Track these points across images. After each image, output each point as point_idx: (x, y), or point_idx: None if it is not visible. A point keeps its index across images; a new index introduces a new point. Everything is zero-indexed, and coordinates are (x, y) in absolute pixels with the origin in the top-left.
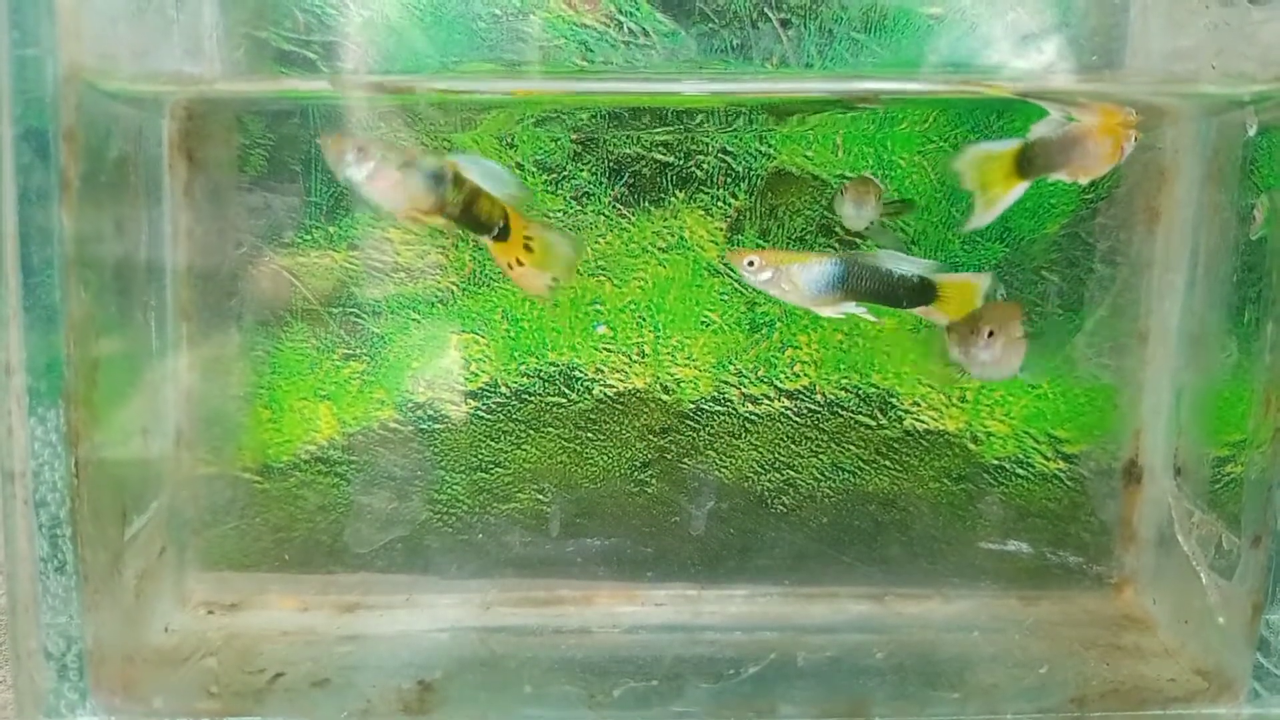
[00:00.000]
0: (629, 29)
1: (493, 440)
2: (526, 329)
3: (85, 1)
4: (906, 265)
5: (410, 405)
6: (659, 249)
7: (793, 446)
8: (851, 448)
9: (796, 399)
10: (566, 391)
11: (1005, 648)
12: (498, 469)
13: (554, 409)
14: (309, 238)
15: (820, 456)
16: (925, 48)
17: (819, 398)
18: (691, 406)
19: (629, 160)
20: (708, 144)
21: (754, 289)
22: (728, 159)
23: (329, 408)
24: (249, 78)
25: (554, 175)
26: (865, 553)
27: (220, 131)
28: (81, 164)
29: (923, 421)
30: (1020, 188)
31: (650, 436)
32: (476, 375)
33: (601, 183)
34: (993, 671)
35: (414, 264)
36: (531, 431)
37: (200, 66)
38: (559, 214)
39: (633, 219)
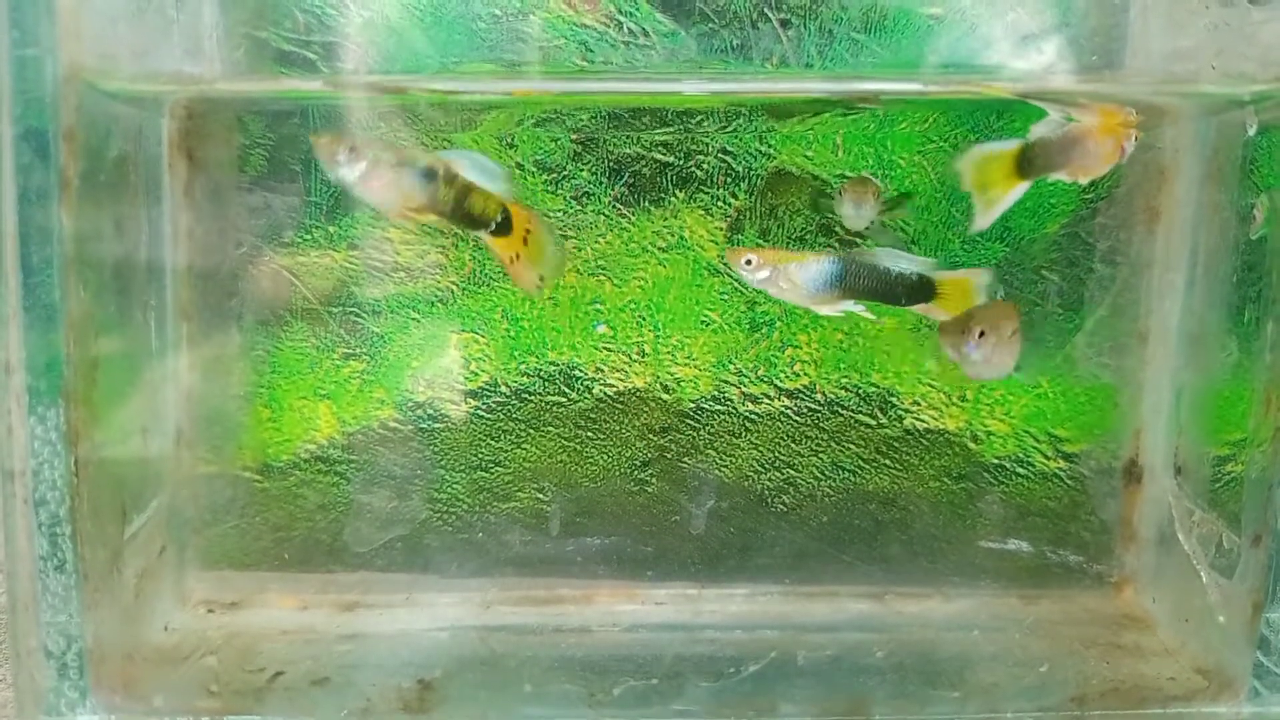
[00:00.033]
0: (629, 29)
1: (493, 439)
2: (526, 328)
3: (85, 1)
4: (905, 263)
5: (410, 404)
6: (659, 249)
7: (793, 445)
8: (852, 447)
9: (797, 398)
10: (566, 391)
11: (1005, 647)
12: (498, 468)
13: (554, 408)
14: (309, 237)
15: (820, 455)
16: (925, 48)
17: (819, 397)
18: (691, 405)
19: (629, 160)
20: (708, 144)
21: (754, 288)
22: (728, 159)
23: (329, 407)
24: (249, 78)
25: (554, 175)
26: (865, 551)
27: (220, 131)
28: (81, 163)
29: (923, 420)
30: (1020, 188)
31: (650, 435)
32: (476, 374)
33: (601, 183)
34: (993, 670)
35: (414, 263)
36: (531, 430)
37: (200, 66)
38: (559, 214)
39: (633, 219)
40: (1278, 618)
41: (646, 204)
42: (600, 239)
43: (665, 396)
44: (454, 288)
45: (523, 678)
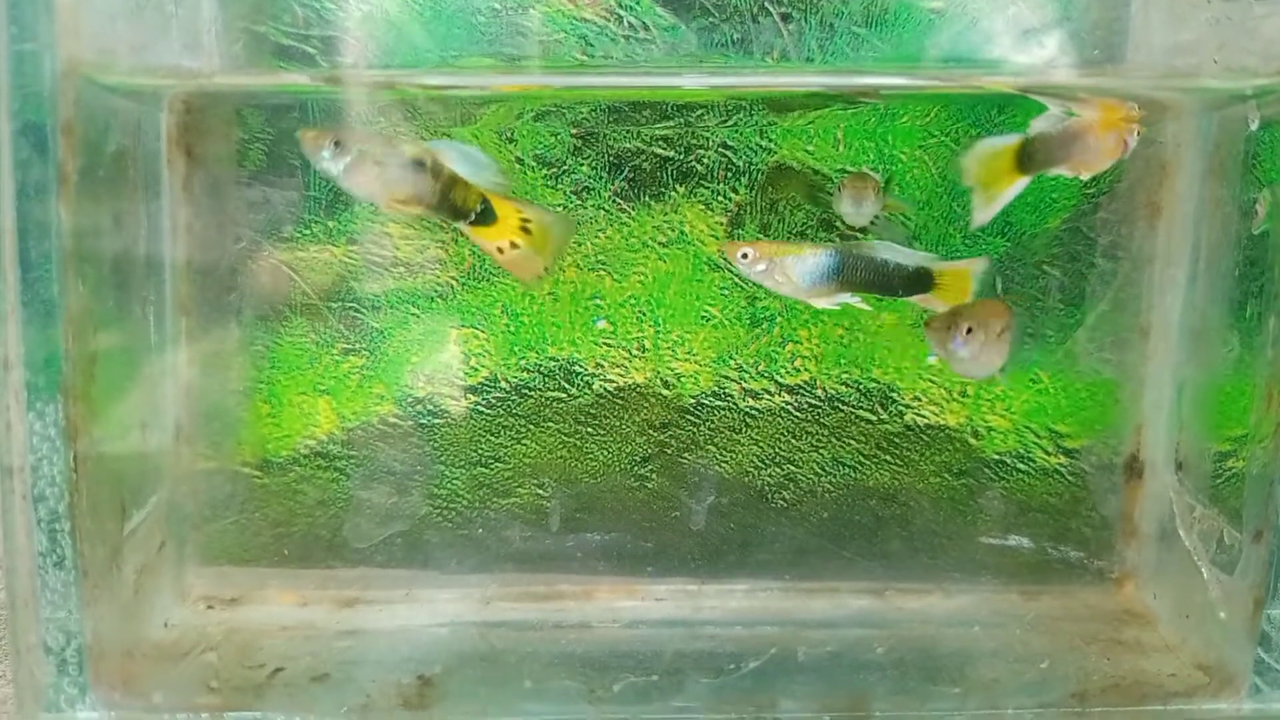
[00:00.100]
0: (629, 23)
1: (492, 435)
2: (526, 324)
3: None
4: (902, 256)
5: (410, 400)
6: (659, 244)
7: (793, 441)
8: (852, 442)
9: (797, 394)
10: (566, 386)
11: (1006, 643)
12: (497, 464)
13: (554, 404)
14: (308, 232)
15: (821, 451)
16: (926, 42)
17: (819, 392)
18: (692, 401)
19: (629, 155)
20: (708, 138)
21: (754, 284)
22: (728, 153)
23: (328, 403)
24: (248, 72)
25: (554, 170)
26: (866, 548)
27: (219, 126)
28: (80, 158)
29: (923, 416)
30: (1021, 183)
31: (650, 431)
32: (476, 370)
33: (601, 177)
34: (993, 666)
35: (413, 259)
36: (531, 426)
37: (199, 60)
38: (559, 209)
39: (633, 214)
40: (1279, 614)
41: (647, 199)
42: (600, 234)
43: (665, 392)
44: (454, 283)
45: (523, 674)
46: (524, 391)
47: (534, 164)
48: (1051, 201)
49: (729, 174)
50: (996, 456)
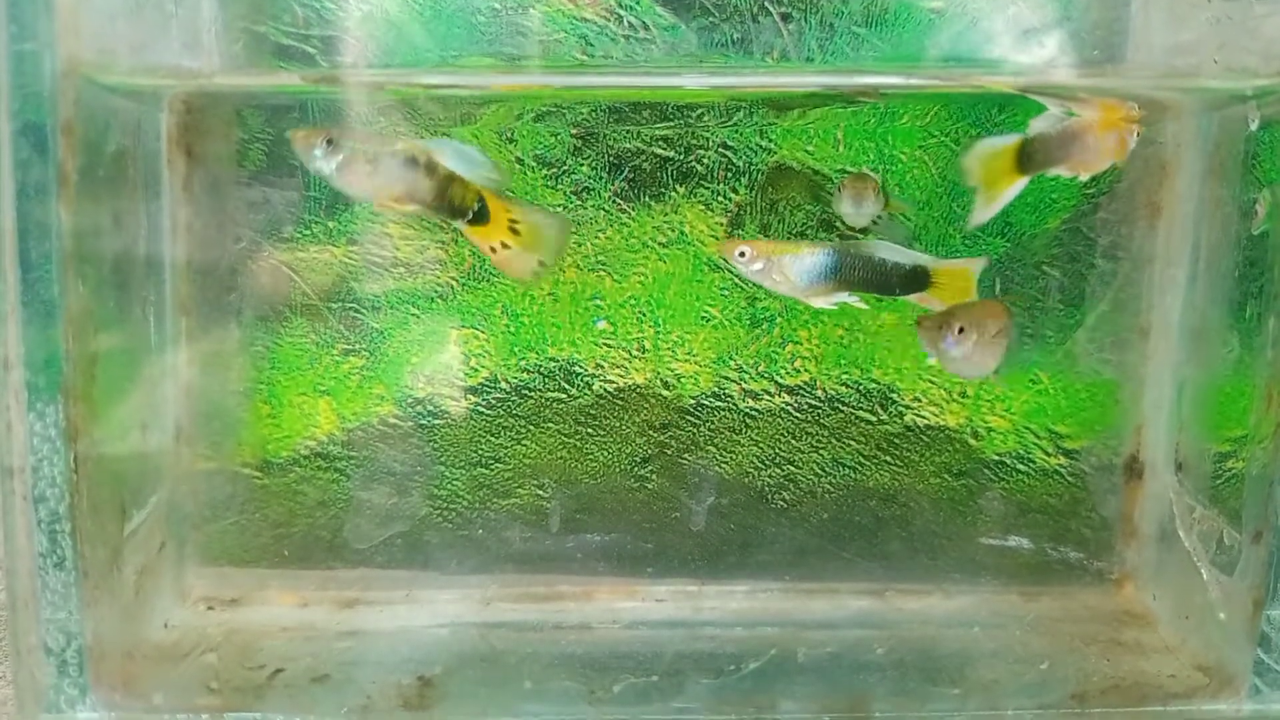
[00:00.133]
0: (629, 23)
1: (492, 435)
2: (526, 324)
3: None
4: (899, 255)
5: (410, 400)
6: (659, 244)
7: (793, 442)
8: (852, 443)
9: (797, 394)
10: (566, 387)
11: (1006, 643)
12: (498, 464)
13: (554, 404)
14: (308, 232)
15: (821, 452)
16: (926, 42)
17: (819, 393)
18: (692, 402)
19: (629, 155)
20: (708, 139)
21: (754, 284)
22: (728, 153)
23: (328, 403)
24: (248, 72)
25: (554, 170)
26: (866, 548)
27: (219, 126)
28: (79, 158)
29: (923, 417)
30: (1020, 184)
31: (650, 432)
32: (476, 370)
33: (601, 177)
34: (993, 667)
35: (413, 259)
36: (531, 427)
37: (199, 60)
38: (559, 209)
39: (633, 214)
40: (1278, 615)
41: (647, 199)
42: (600, 234)
43: (665, 393)
44: (454, 283)
45: (523, 674)
46: (524, 392)
47: (534, 164)
48: (1051, 202)
49: (729, 174)
50: (996, 457)
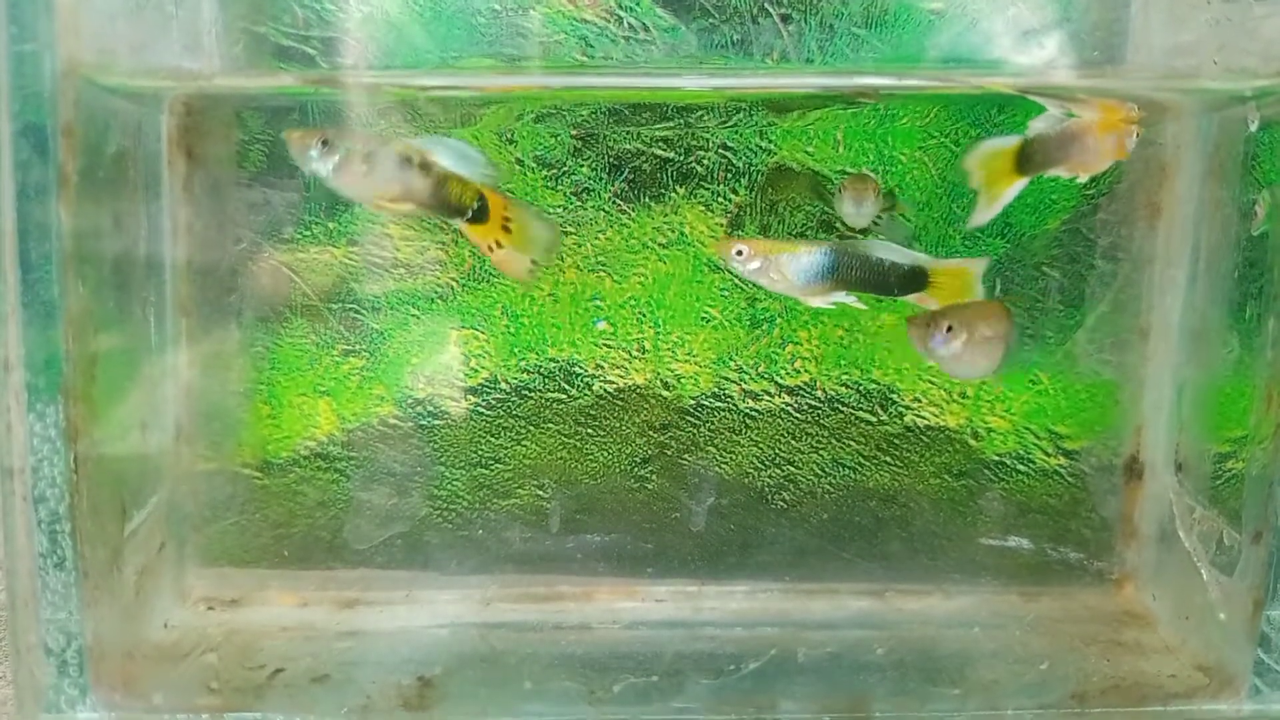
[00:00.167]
0: (629, 24)
1: (492, 436)
2: (526, 324)
3: None
4: (897, 255)
5: (410, 401)
6: (659, 245)
7: (793, 442)
8: (852, 443)
9: (797, 395)
10: (566, 387)
11: (1006, 644)
12: (498, 465)
13: (554, 405)
14: (308, 233)
15: (821, 452)
16: (926, 43)
17: (819, 393)
18: (692, 402)
19: (629, 156)
20: (708, 139)
21: (754, 285)
22: (728, 154)
23: (328, 403)
24: (248, 73)
25: (554, 171)
26: (866, 549)
27: (219, 127)
28: (80, 159)
29: (923, 417)
30: (1019, 185)
31: (650, 432)
32: (476, 371)
33: (601, 178)
34: (993, 668)
35: (414, 259)
36: (531, 427)
37: (199, 62)
38: (559, 210)
39: (633, 215)
40: (1278, 615)
41: (647, 200)
42: (600, 235)
43: (665, 393)
44: (454, 284)
45: (523, 675)
46: (524, 393)
47: (534, 165)
48: (1051, 203)
49: (729, 175)
50: (996, 458)
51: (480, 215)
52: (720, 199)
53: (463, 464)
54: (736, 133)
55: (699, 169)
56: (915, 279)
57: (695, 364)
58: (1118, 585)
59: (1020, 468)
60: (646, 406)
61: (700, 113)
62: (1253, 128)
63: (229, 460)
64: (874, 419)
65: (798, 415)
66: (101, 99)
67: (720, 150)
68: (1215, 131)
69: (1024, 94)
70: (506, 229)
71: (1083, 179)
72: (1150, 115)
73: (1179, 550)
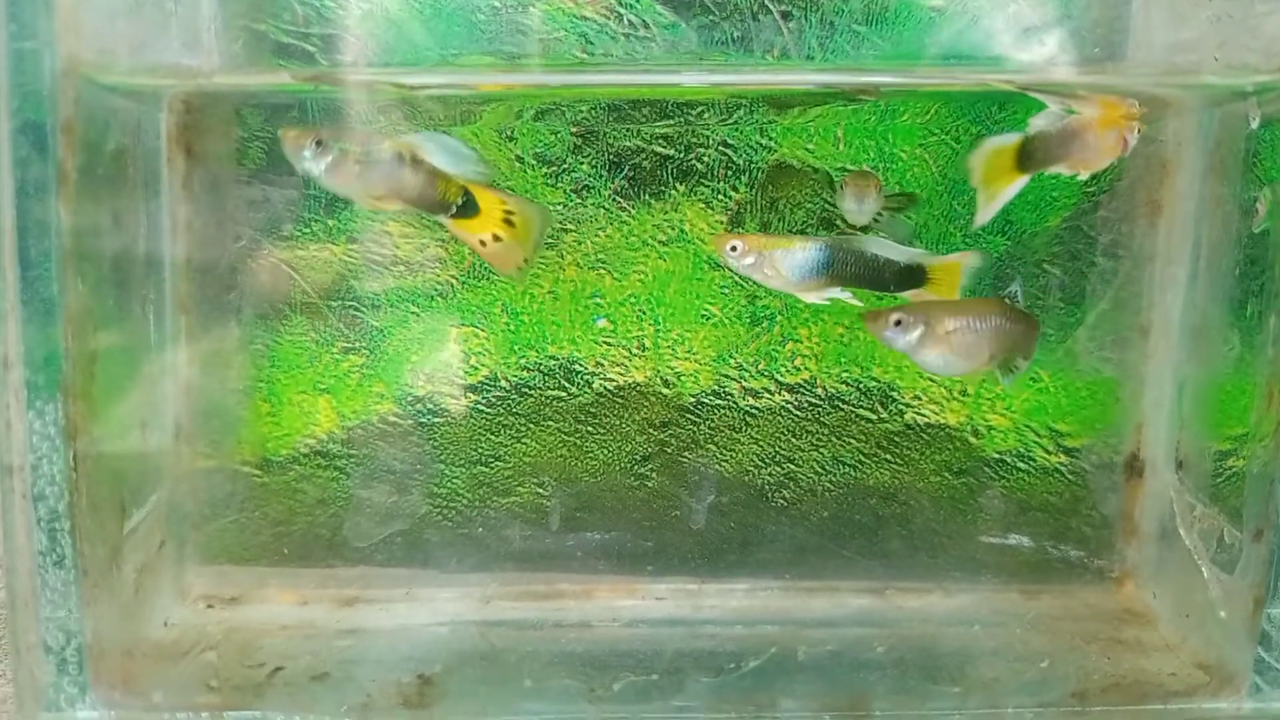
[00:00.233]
0: (629, 21)
1: (492, 434)
2: (526, 322)
3: None
4: (892, 251)
5: (410, 399)
6: (659, 242)
7: (793, 440)
8: (852, 441)
9: (797, 392)
10: (566, 385)
11: (1006, 642)
12: (497, 463)
13: (554, 402)
14: (308, 231)
15: (821, 450)
16: (927, 40)
17: (820, 391)
18: (692, 400)
19: (629, 153)
20: (708, 137)
21: (754, 282)
22: (728, 152)
23: (328, 401)
24: (247, 71)
25: (554, 168)
26: (866, 547)
27: (219, 125)
28: (79, 157)
29: (924, 415)
30: (1019, 182)
31: (650, 430)
32: (476, 369)
33: (601, 176)
34: (993, 666)
35: (413, 257)
36: (531, 425)
37: (198, 59)
38: (559, 207)
39: (633, 212)
40: (1279, 613)
41: (647, 197)
42: (600, 232)
43: (665, 391)
44: (454, 281)
45: (523, 673)
46: (524, 390)
47: (534, 162)
48: (1052, 200)
49: (729, 172)
50: (997, 455)
51: (465, 211)
52: (720, 196)
53: (463, 462)
54: (737, 130)
55: (699, 166)
56: (911, 274)
57: (695, 361)
58: (1118, 583)
59: (1021, 465)
60: (647, 404)
61: (700, 110)
62: (1254, 124)
63: (229, 458)
64: (874, 416)
65: (798, 413)
66: (101, 96)
67: (720, 147)
68: (1216, 128)
69: (1025, 91)
70: (509, 222)
71: (1084, 176)
72: (1151, 112)
73: (1179, 548)
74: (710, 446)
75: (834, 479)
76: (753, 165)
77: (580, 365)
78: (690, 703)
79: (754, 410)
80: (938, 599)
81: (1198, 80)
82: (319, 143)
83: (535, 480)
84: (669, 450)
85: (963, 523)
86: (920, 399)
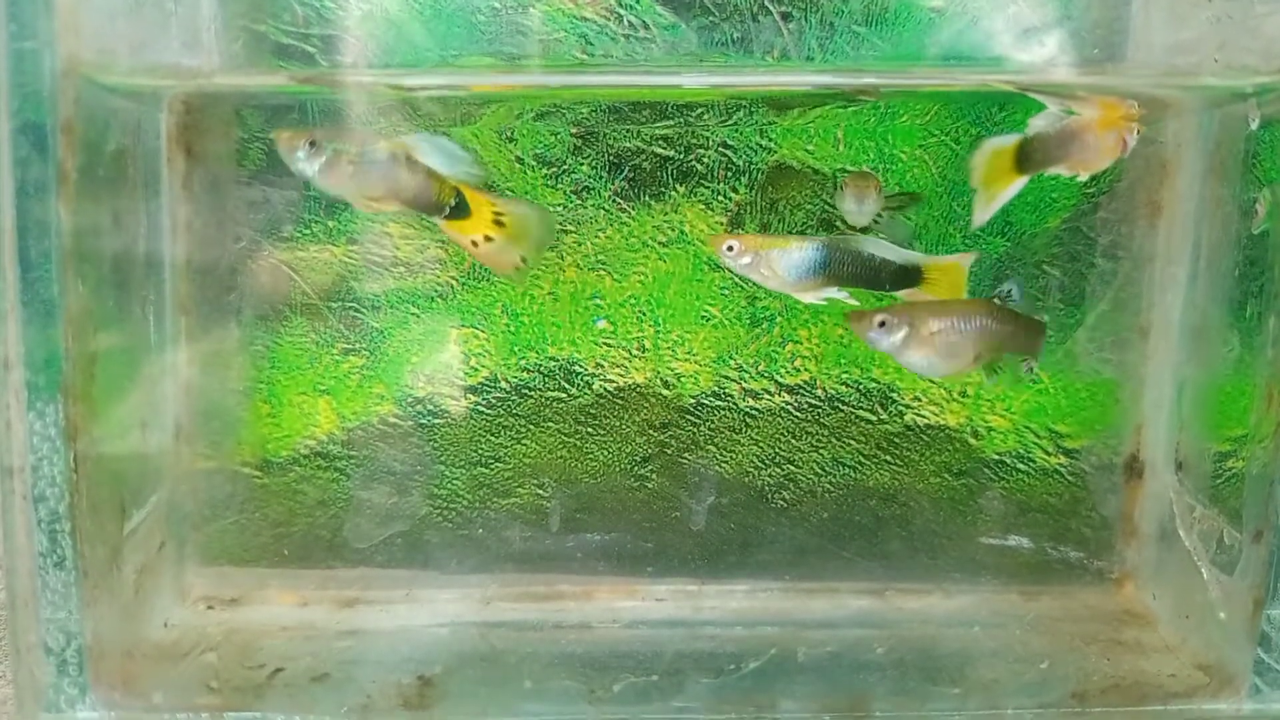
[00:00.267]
0: (629, 22)
1: (492, 435)
2: (526, 323)
3: None
4: (889, 251)
5: (410, 400)
6: (659, 243)
7: (793, 441)
8: (852, 443)
9: (797, 394)
10: (566, 386)
11: (1006, 643)
12: (497, 464)
13: (554, 404)
14: (308, 232)
15: (821, 451)
16: (926, 41)
17: (819, 392)
18: (692, 401)
19: (629, 154)
20: (708, 138)
21: (754, 283)
22: (728, 153)
23: (328, 402)
24: (247, 71)
25: (554, 169)
26: (866, 548)
27: (219, 125)
28: (79, 157)
29: (923, 416)
30: (1018, 183)
31: (650, 431)
32: (476, 370)
33: (601, 177)
34: (993, 667)
35: (413, 258)
36: (531, 426)
37: (198, 60)
38: (559, 208)
39: (633, 213)
40: (1279, 614)
41: (647, 198)
42: (600, 234)
43: (665, 392)
44: (454, 283)
45: (523, 674)
46: (524, 391)
47: (534, 163)
48: (1051, 201)
49: (729, 173)
50: (996, 456)
51: (457, 212)
52: (720, 197)
53: (463, 463)
54: (737, 131)
55: (699, 167)
56: (907, 275)
57: (695, 363)
58: (1118, 584)
59: (1020, 466)
60: (646, 405)
61: (700, 111)
62: (1253, 125)
63: (229, 459)
64: (874, 418)
65: (798, 414)
66: (101, 97)
67: (720, 148)
68: (1216, 129)
69: (1024, 92)
70: (499, 223)
71: (1083, 177)
72: (1151, 113)
73: (1179, 549)
74: (710, 448)
75: (834, 480)
76: (753, 166)
77: (580, 366)
78: (690, 704)
79: (754, 411)
80: (937, 600)
81: (1197, 81)
82: (312, 143)
83: (535, 481)
84: (669, 451)
85: (962, 524)
86: (920, 400)
